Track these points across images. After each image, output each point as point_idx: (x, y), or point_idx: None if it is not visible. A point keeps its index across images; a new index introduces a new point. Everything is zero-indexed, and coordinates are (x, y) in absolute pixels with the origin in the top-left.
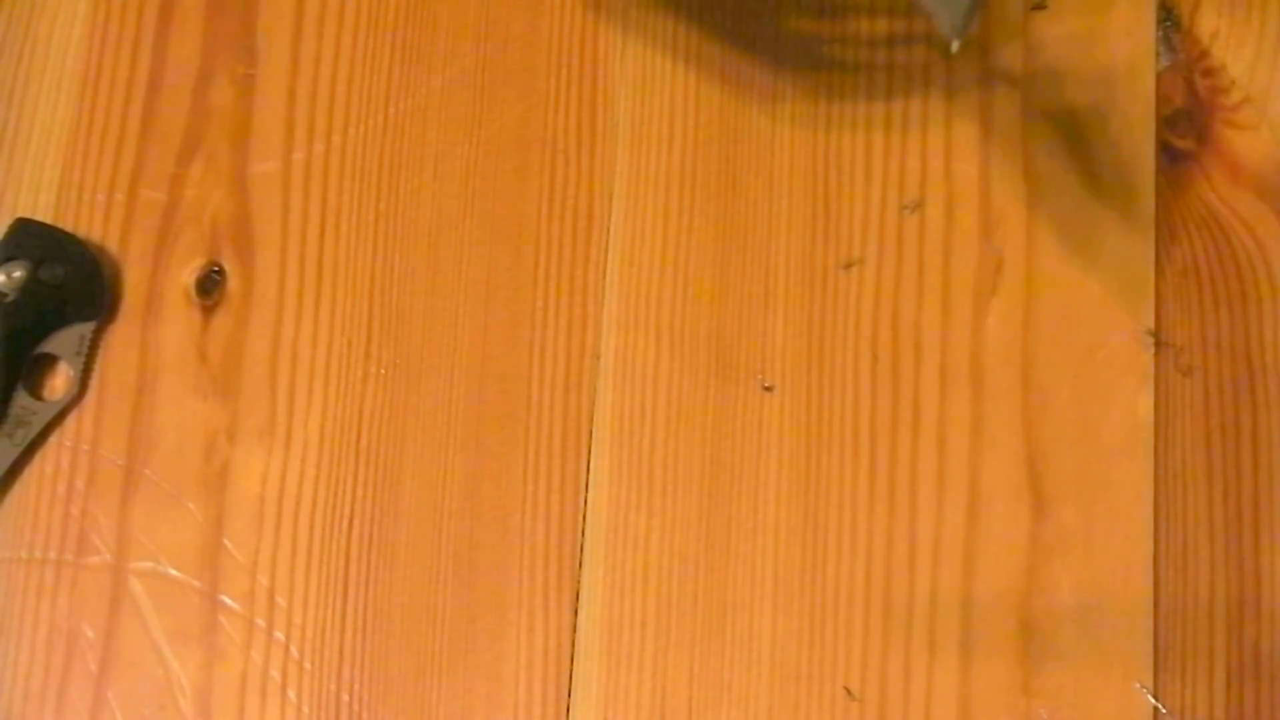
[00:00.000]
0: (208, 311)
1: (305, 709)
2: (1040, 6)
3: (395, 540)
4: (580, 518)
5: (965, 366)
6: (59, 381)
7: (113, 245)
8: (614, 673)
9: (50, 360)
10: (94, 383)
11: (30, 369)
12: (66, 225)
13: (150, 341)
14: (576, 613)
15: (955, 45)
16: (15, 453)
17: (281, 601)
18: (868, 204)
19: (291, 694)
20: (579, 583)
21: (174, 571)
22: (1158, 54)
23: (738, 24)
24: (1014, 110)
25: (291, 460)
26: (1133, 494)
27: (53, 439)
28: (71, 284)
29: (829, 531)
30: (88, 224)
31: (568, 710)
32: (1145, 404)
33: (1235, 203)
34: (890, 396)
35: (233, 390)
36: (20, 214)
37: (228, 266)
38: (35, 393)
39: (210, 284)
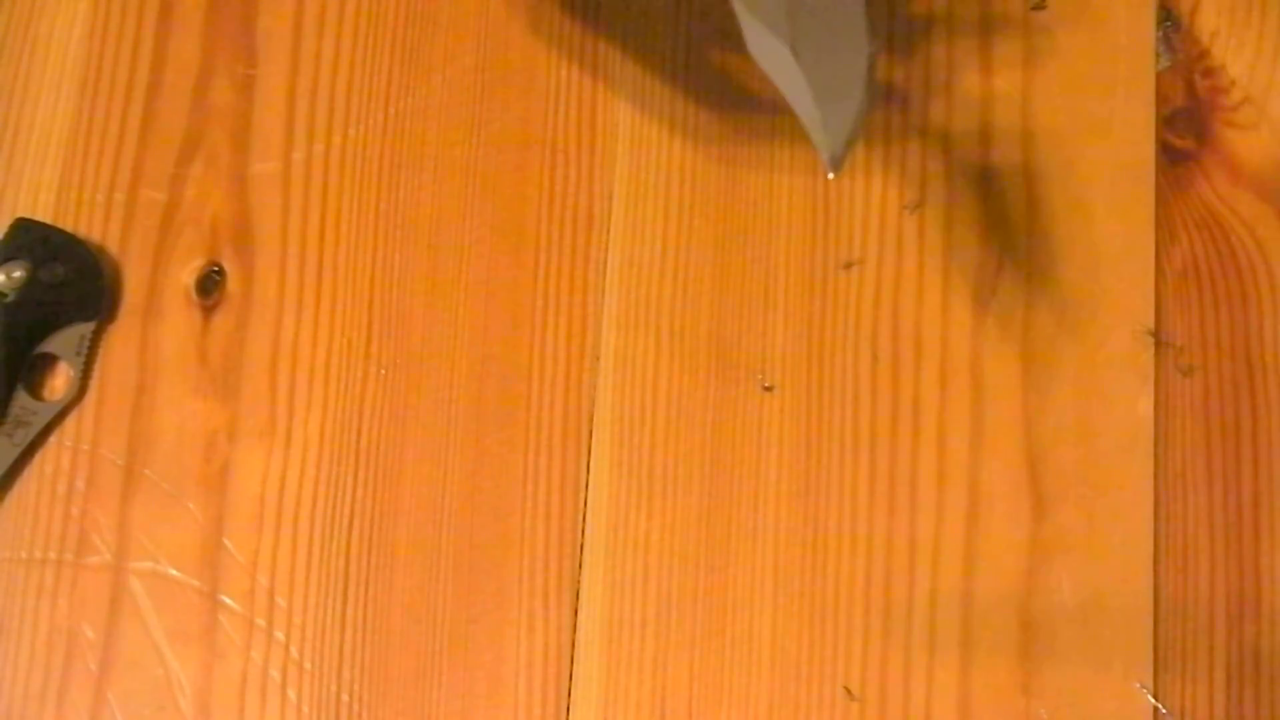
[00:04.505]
0: (208, 311)
1: (305, 709)
2: (1040, 7)
3: (395, 540)
4: (580, 518)
5: (965, 366)
6: (59, 381)
7: (113, 245)
8: (614, 673)
9: (50, 360)
10: (94, 383)
11: (30, 369)
12: (66, 225)
13: (150, 341)
14: (576, 613)
15: (832, 175)
16: (15, 453)
17: (281, 601)
18: (868, 204)
19: (291, 694)
20: (579, 583)
21: (174, 571)
22: (1158, 54)
23: (738, 23)
24: (1014, 110)
25: (291, 460)
26: (1133, 494)
27: (53, 439)
28: (71, 284)
29: (829, 531)
30: (88, 224)
31: (568, 710)
32: (1145, 404)
33: (1235, 203)
34: (890, 396)
35: (233, 390)
36: (20, 214)
37: (228, 266)
38: (35, 393)
39: (210, 284)
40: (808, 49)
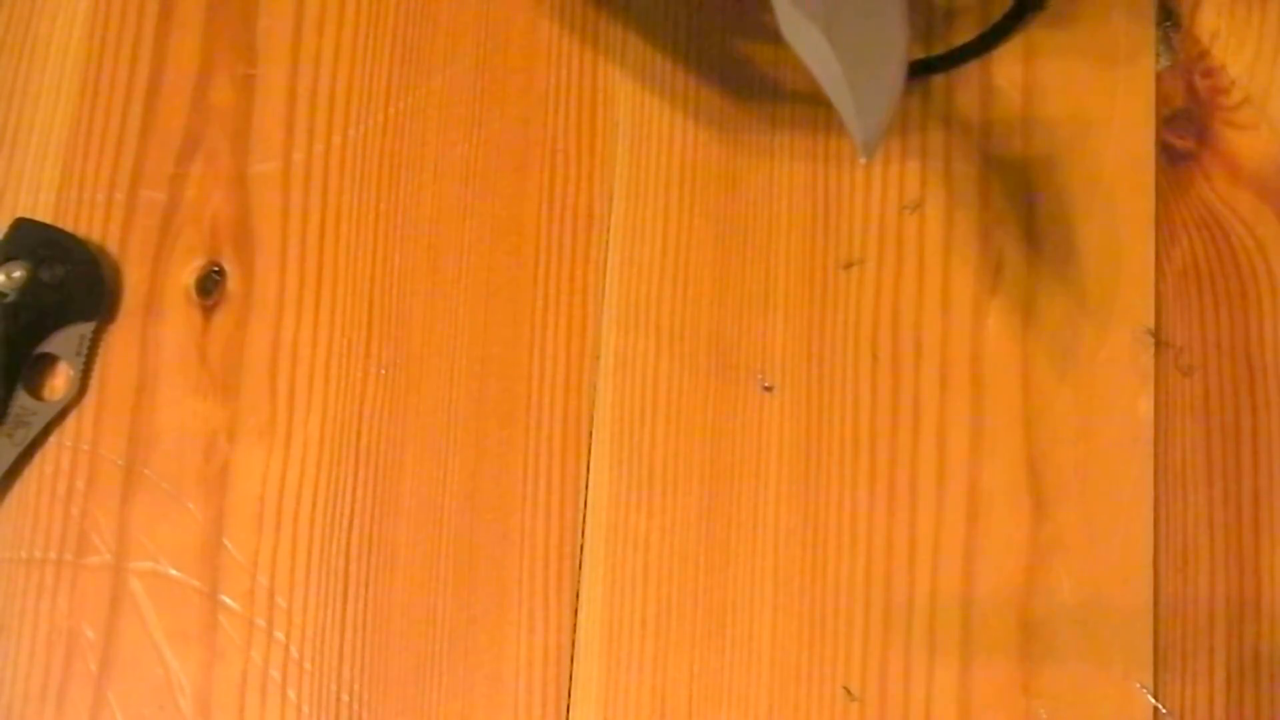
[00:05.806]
0: (208, 311)
1: (305, 709)
2: (1040, 6)
3: (395, 540)
4: (580, 518)
5: (965, 366)
6: (59, 381)
7: (113, 245)
8: (614, 673)
9: (50, 360)
10: (94, 383)
11: (30, 369)
12: (66, 225)
13: (150, 341)
14: (576, 613)
15: (864, 160)
16: (15, 453)
17: (281, 601)
18: (868, 204)
19: (291, 694)
20: (579, 583)
21: (174, 571)
22: (1158, 54)
23: (738, 23)
24: (1014, 110)
25: (291, 460)
26: (1133, 494)
27: (53, 439)
28: (71, 284)
29: (829, 531)
30: (88, 224)
31: (568, 710)
32: (1145, 404)
33: (1235, 203)
34: (890, 396)
35: (233, 390)
36: (20, 214)
37: (228, 266)
38: (35, 393)
39: (210, 284)
40: (842, 33)
